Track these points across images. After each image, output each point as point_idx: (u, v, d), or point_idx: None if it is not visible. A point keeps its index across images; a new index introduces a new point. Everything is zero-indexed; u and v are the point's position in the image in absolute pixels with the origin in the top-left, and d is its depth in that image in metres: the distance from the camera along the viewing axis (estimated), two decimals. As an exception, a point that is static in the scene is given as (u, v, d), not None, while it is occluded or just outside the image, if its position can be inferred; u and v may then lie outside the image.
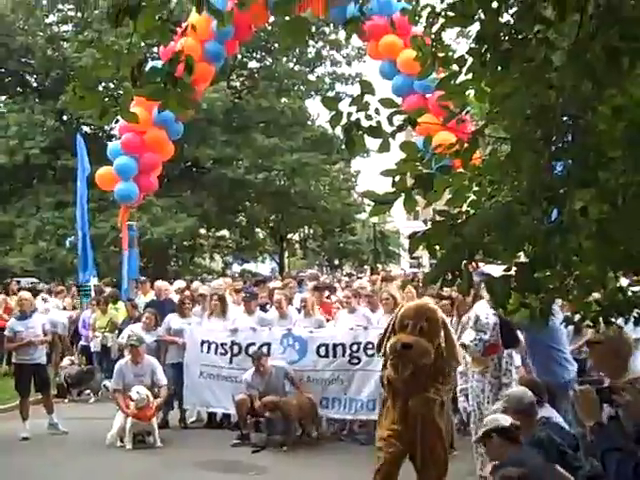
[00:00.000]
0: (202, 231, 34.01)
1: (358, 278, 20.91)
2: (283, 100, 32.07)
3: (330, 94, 31.50)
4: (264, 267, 44.03)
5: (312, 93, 33.81)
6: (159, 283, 14.69)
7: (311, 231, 42.45)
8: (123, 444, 10.00)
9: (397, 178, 3.26)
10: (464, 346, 7.96)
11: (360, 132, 3.26)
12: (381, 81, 15.34)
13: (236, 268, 40.89)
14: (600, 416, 3.90)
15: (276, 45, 32.19)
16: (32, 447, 10.14)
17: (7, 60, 29.64)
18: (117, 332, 13.86)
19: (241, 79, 33.54)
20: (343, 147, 34.44)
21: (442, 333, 6.69)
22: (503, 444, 5.10)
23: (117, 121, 28.11)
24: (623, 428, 3.95)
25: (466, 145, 3.27)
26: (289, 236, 42.88)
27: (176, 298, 13.51)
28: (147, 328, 11.79)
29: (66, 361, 13.94)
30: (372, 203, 3.52)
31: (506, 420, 5.21)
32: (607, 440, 3.73)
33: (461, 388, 8.39)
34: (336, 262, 47.78)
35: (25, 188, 29.70)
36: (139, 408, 9.99)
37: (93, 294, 16.28)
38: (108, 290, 16.33)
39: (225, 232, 37.91)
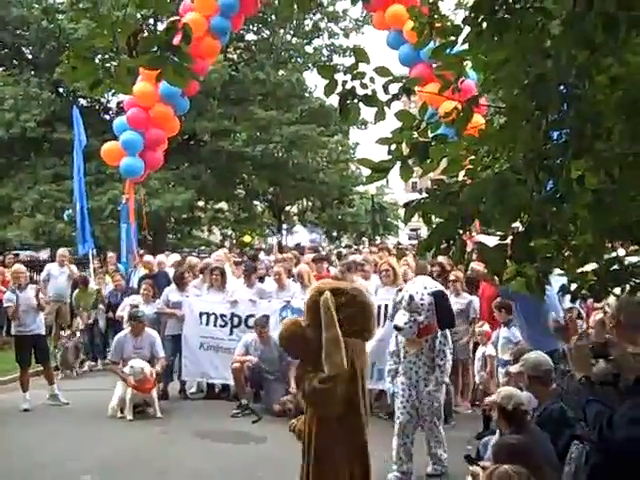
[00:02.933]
0: (200, 204, 33.93)
1: (356, 250, 20.90)
2: (280, 72, 31.82)
3: (328, 66, 31.11)
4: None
5: (309, 65, 33.51)
6: (150, 257, 14.74)
7: (309, 203, 42.37)
8: (124, 415, 10.08)
9: (393, 147, 3.26)
10: (397, 328, 7.51)
11: (355, 100, 3.25)
12: (383, 52, 15.26)
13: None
14: (591, 370, 3.98)
15: (273, 17, 31.90)
16: (33, 418, 10.22)
17: (2, 32, 29.36)
18: (106, 305, 13.96)
19: (238, 51, 33.22)
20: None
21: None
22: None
23: (114, 94, 28.04)
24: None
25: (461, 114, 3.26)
26: (287, 208, 42.83)
27: (171, 271, 13.60)
28: (146, 300, 11.85)
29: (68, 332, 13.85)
30: (369, 173, 3.51)
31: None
32: (591, 392, 3.83)
33: (389, 369, 7.84)
34: (334, 234, 47.75)
35: (22, 161, 29.52)
36: (137, 380, 10.05)
37: (92, 266, 16.29)
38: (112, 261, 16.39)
39: (223, 205, 37.86)
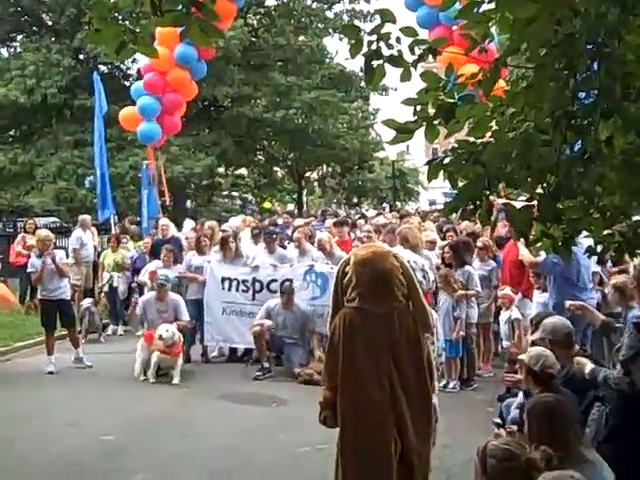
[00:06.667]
0: (220, 170, 33.93)
1: (379, 214, 20.79)
2: (301, 38, 31.57)
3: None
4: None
5: (330, 31, 33.20)
6: (162, 221, 14.70)
7: (329, 169, 42.26)
8: (146, 378, 10.19)
9: (419, 108, 3.22)
10: None
11: (380, 61, 3.20)
12: (403, 17, 15.01)
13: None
14: None
15: (293, -19, 31.64)
16: (57, 381, 10.36)
17: (22, -1, 29.34)
18: (129, 271, 14.09)
19: (258, 17, 32.94)
20: (362, 85, 34.18)
21: None
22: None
23: (134, 60, 27.96)
24: None
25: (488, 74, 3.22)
26: (307, 174, 42.76)
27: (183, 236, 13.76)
28: (167, 265, 11.88)
29: (87, 300, 13.85)
30: (394, 135, 3.47)
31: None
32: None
33: None
34: (355, 200, 47.61)
35: (44, 128, 29.65)
36: (168, 346, 10.13)
37: (113, 232, 16.36)
38: (133, 228, 16.40)
39: (244, 171, 37.84)
